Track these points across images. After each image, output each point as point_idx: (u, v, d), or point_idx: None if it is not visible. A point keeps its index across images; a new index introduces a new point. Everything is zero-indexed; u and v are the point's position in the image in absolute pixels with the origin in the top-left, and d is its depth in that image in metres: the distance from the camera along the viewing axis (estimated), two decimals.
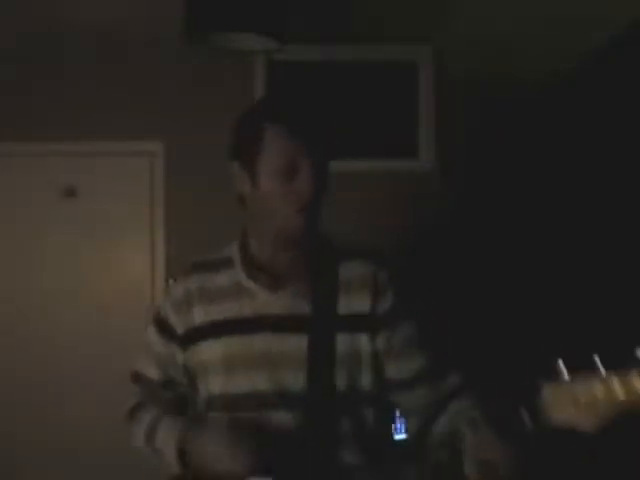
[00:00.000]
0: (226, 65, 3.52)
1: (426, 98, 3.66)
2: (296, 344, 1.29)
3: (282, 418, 1.28)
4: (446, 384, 1.31)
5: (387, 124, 3.67)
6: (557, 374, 1.01)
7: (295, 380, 1.28)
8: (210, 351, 1.34)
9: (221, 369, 1.32)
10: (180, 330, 1.38)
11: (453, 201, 3.62)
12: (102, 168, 3.62)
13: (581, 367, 1.00)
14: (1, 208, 3.62)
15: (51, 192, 3.61)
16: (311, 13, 3.08)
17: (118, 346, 3.47)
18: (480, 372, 1.42)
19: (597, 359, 0.99)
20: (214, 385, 1.35)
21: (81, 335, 3.55)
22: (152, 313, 1.47)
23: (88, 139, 3.59)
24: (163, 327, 1.41)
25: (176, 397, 1.46)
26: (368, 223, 3.48)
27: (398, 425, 1.43)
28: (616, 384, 0.96)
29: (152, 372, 1.45)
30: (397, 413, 1.40)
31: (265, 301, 1.31)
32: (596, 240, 2.97)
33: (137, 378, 1.49)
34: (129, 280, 3.61)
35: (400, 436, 1.44)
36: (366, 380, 1.32)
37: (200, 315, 1.35)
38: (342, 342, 1.30)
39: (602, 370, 0.98)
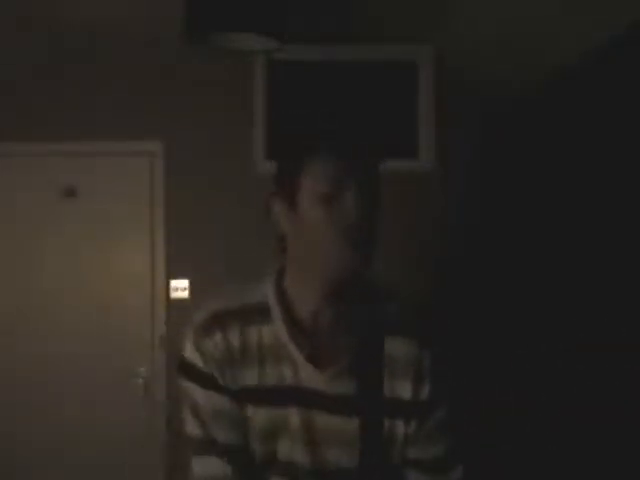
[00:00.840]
0: (226, 65, 3.52)
1: (426, 98, 3.66)
2: (341, 425, 1.24)
3: None
4: (449, 477, 1.31)
5: (387, 124, 3.67)
6: None
7: (337, 458, 1.24)
8: (252, 417, 1.24)
9: (258, 437, 1.25)
10: (233, 387, 1.24)
11: (453, 201, 3.62)
12: (102, 168, 3.62)
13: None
14: (1, 208, 3.63)
15: (51, 192, 3.61)
16: (311, 13, 3.09)
17: (118, 346, 3.48)
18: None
19: None
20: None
21: (81, 335, 3.55)
22: (181, 368, 1.26)
23: (88, 139, 3.59)
24: (213, 383, 1.24)
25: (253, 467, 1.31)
26: None
27: None
28: None
29: (221, 435, 1.24)
30: None
31: (308, 375, 1.22)
32: (597, 240, 2.97)
33: (206, 448, 1.24)
34: (129, 280, 3.61)
35: None
36: (396, 459, 1.30)
37: (245, 377, 1.23)
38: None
39: None
